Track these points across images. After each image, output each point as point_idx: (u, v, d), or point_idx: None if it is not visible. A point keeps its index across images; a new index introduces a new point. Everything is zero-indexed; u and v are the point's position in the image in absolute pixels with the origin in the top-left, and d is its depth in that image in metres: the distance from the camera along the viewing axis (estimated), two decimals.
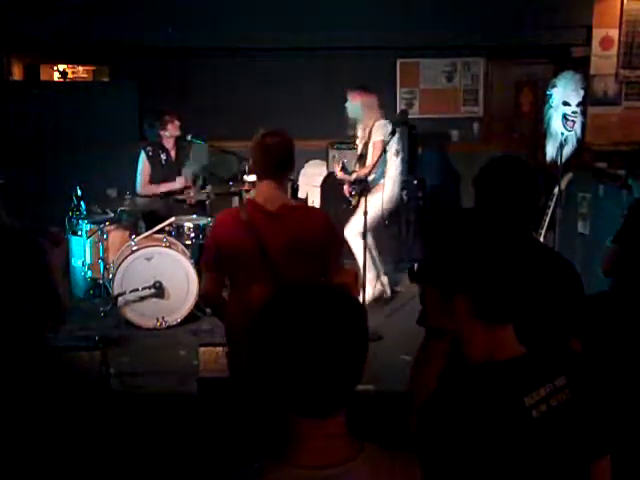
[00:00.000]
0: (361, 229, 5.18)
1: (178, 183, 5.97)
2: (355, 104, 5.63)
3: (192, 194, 6.00)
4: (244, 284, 2.89)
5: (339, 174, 5.80)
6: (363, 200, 5.13)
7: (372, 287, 5.67)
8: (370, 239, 5.64)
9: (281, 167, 2.92)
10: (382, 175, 5.60)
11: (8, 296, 2.44)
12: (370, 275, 5.58)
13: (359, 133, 5.82)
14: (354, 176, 5.64)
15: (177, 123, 5.99)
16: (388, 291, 5.90)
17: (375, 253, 5.79)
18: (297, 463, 1.28)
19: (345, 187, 5.78)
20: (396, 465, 1.33)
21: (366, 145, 5.64)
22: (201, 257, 3.18)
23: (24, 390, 2.46)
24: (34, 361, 2.56)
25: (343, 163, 5.81)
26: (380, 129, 5.51)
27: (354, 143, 6.16)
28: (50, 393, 2.61)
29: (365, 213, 5.03)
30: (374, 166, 5.38)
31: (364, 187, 5.26)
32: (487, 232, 1.54)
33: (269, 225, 2.84)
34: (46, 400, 2.55)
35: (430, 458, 1.41)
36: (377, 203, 5.50)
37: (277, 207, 2.87)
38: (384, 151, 5.38)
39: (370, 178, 5.41)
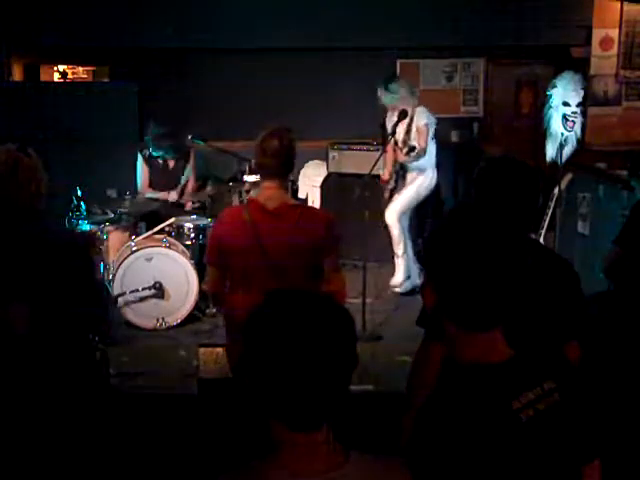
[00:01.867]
0: (403, 211, 5.73)
1: (171, 196, 6.02)
2: (399, 88, 5.71)
3: (189, 201, 6.03)
4: (243, 281, 2.93)
5: (403, 157, 5.77)
6: (410, 184, 5.78)
7: (403, 273, 5.98)
8: (406, 223, 5.94)
9: (280, 168, 2.96)
10: (422, 161, 5.80)
11: (53, 298, 2.43)
12: (404, 262, 5.96)
13: (390, 119, 5.81)
14: (410, 158, 5.70)
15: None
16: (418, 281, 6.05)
17: (408, 238, 6.04)
18: (283, 467, 1.27)
19: (386, 172, 5.87)
20: (383, 472, 1.32)
21: (408, 131, 5.72)
22: (205, 253, 3.23)
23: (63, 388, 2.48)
24: (79, 362, 2.58)
25: (409, 146, 5.71)
26: (423, 114, 5.72)
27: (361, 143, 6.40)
28: (94, 391, 2.64)
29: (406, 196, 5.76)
30: (425, 149, 5.65)
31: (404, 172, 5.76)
32: (474, 232, 1.51)
33: (269, 223, 2.90)
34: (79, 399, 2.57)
35: (421, 461, 1.40)
36: (418, 189, 5.84)
37: (277, 206, 2.92)
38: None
39: (416, 163, 5.74)
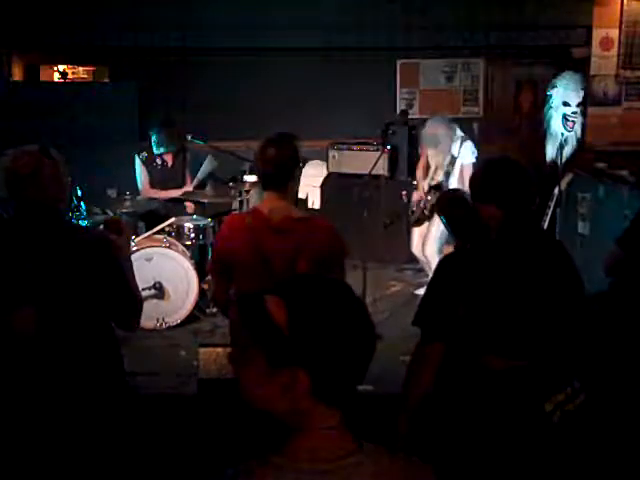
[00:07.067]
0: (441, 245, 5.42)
1: (179, 192, 5.98)
2: (437, 134, 5.52)
3: (192, 205, 6.01)
4: (245, 290, 2.87)
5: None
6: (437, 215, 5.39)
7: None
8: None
9: (278, 179, 2.83)
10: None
11: (79, 296, 2.41)
12: None
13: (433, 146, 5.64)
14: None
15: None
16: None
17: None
18: (293, 457, 1.27)
19: (419, 194, 5.74)
20: (397, 466, 1.32)
21: (452, 163, 5.53)
22: (208, 262, 3.20)
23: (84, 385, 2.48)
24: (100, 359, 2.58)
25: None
26: (469, 150, 5.49)
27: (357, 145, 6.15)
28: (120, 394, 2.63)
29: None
30: None
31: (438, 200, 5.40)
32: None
33: (272, 238, 2.79)
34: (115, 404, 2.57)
35: (430, 458, 1.40)
36: None
37: (280, 220, 2.81)
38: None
39: None
